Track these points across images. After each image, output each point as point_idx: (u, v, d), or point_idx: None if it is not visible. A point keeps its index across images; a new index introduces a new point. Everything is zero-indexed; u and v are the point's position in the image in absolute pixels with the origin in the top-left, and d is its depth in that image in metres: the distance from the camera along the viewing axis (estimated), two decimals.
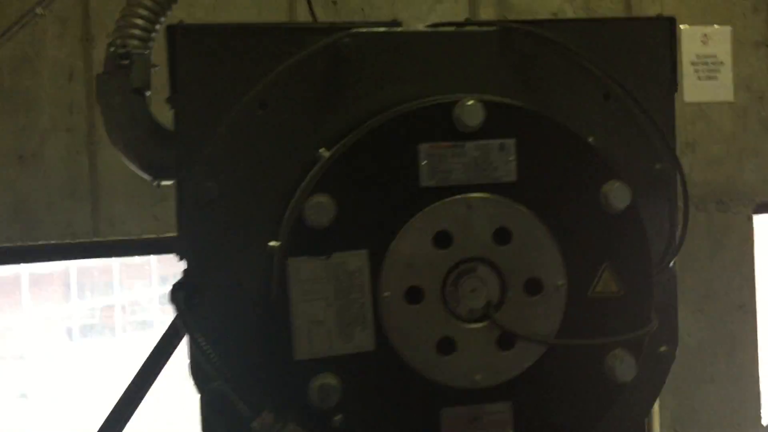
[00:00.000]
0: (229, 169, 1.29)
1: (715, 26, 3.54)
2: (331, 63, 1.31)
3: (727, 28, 3.56)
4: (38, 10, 2.88)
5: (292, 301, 1.20)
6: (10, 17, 2.80)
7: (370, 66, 1.33)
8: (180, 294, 1.27)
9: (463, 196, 1.24)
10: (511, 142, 1.26)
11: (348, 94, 1.32)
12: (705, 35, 3.52)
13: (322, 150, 1.25)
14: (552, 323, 1.26)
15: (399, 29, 1.40)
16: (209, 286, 1.27)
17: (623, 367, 1.26)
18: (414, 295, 1.23)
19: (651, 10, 3.38)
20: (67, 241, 3.04)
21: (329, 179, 1.22)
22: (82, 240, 3.05)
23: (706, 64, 3.51)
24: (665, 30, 1.45)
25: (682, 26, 3.44)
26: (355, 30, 1.33)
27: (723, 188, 3.59)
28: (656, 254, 1.39)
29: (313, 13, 1.74)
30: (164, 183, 1.45)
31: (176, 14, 1.47)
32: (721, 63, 3.53)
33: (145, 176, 1.46)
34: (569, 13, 3.19)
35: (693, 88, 3.51)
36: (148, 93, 1.44)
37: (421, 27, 1.48)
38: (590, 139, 1.31)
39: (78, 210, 3.03)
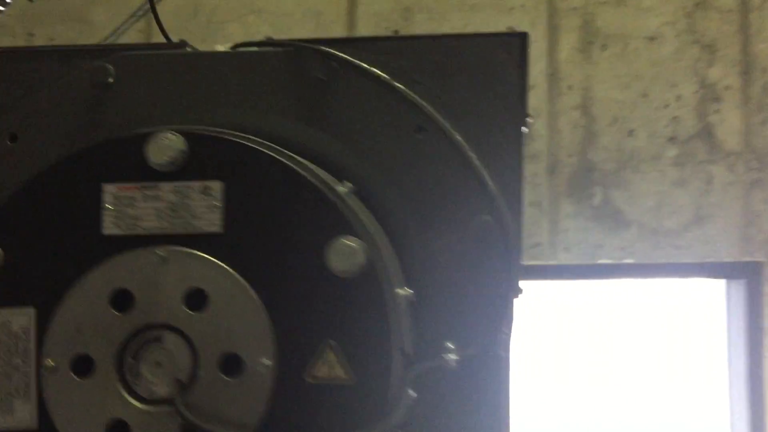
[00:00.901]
0: None
1: None
2: (91, 91, 1.16)
3: None
4: None
5: None
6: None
7: (136, 94, 1.16)
8: None
9: (151, 248, 1.02)
10: (216, 185, 1.02)
11: (109, 127, 1.15)
12: None
13: None
14: (253, 413, 0.99)
15: (172, 51, 1.21)
16: None
17: None
18: (84, 365, 1.02)
19: None
20: None
21: None
22: None
23: None
24: (514, 48, 1.16)
25: None
26: (117, 54, 1.16)
27: None
28: (483, 331, 1.10)
29: (164, 32, 1.56)
30: None
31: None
32: None
33: None
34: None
35: None
36: None
37: (220, 48, 1.27)
38: (340, 186, 1.04)
39: None
